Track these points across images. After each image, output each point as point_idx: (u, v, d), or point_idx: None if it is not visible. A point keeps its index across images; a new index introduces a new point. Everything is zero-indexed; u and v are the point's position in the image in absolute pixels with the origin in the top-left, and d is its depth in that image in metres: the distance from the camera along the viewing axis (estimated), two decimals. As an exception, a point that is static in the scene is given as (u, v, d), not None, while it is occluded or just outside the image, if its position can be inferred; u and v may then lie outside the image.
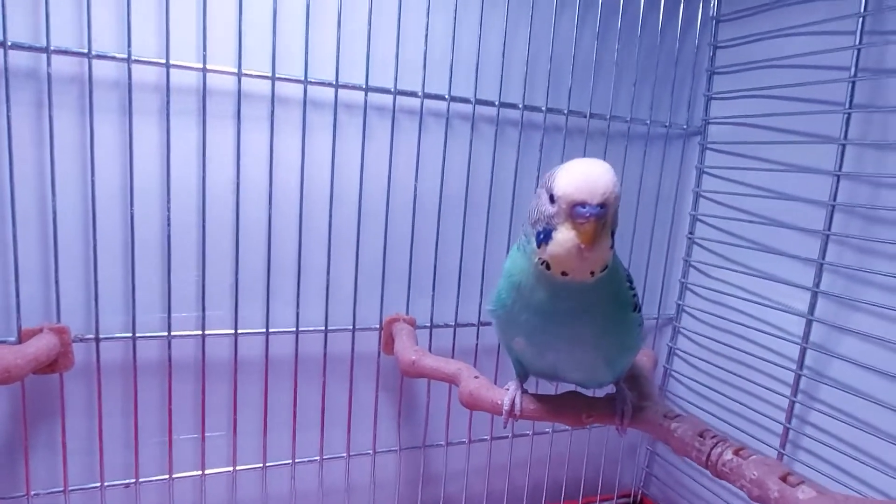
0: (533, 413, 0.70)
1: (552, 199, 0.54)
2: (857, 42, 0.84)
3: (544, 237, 0.55)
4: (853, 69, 0.84)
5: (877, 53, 0.84)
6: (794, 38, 0.95)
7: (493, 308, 0.65)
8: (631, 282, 0.64)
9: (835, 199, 0.87)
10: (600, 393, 0.72)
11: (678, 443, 0.64)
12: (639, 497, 1.22)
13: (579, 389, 0.72)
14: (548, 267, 0.56)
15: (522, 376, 0.72)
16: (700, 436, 0.63)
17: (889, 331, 0.81)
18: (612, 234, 0.55)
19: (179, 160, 0.81)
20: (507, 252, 1.00)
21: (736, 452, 0.60)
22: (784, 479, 0.55)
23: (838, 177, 0.86)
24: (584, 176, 0.52)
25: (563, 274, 0.55)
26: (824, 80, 0.89)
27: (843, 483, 0.84)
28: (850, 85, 0.85)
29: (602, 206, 0.51)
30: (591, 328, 0.61)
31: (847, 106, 0.85)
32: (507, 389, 0.71)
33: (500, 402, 0.70)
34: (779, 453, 0.94)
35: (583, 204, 0.51)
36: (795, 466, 0.91)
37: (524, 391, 0.71)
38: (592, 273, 0.55)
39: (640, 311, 0.66)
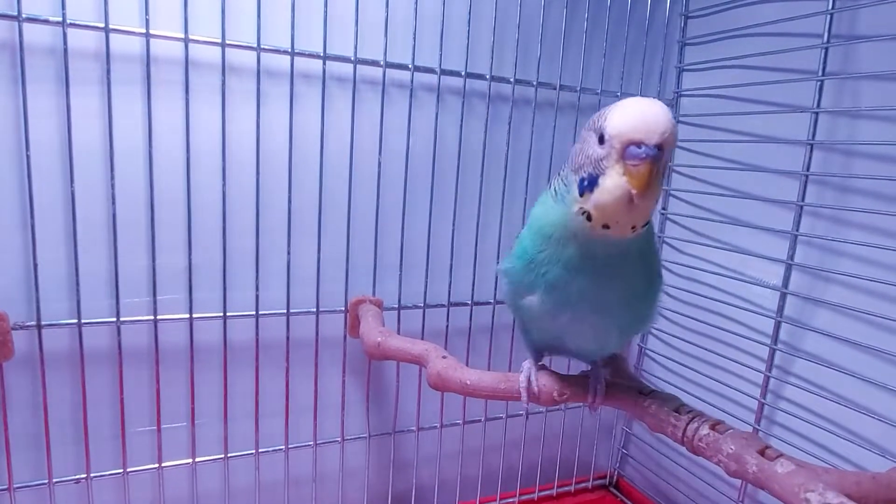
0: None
1: (602, 140, 0.48)
2: (830, 7, 0.82)
3: (589, 184, 0.49)
4: (826, 35, 0.82)
5: (849, 19, 0.82)
6: (767, 5, 0.93)
7: (511, 263, 0.60)
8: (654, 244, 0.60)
9: (808, 170, 0.85)
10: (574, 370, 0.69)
11: (653, 419, 0.62)
12: (615, 478, 1.21)
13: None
14: (589, 218, 0.50)
15: (536, 354, 0.68)
16: (676, 412, 0.61)
17: (862, 301, 0.80)
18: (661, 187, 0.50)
19: (124, 133, 0.76)
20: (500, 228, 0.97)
21: (712, 427, 0.58)
22: (762, 452, 0.53)
23: (811, 146, 0.85)
24: (641, 113, 0.47)
25: (605, 227, 0.50)
26: (797, 48, 0.87)
27: (816, 456, 0.83)
28: (823, 52, 0.83)
29: (659, 147, 0.46)
30: (616, 293, 0.56)
31: (820, 73, 0.83)
32: (521, 371, 0.67)
33: (516, 388, 0.66)
34: (754, 428, 0.93)
35: (639, 144, 0.46)
36: (770, 442, 0.90)
37: (541, 367, 0.67)
38: (634, 228, 0.50)
39: (661, 277, 0.62)
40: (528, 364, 0.67)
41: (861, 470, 0.72)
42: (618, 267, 0.54)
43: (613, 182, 0.47)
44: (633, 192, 0.47)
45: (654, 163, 0.46)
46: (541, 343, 0.66)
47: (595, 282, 0.55)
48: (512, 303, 0.64)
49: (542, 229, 0.56)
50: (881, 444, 0.78)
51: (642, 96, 0.49)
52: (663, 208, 1.11)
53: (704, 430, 0.58)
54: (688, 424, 0.59)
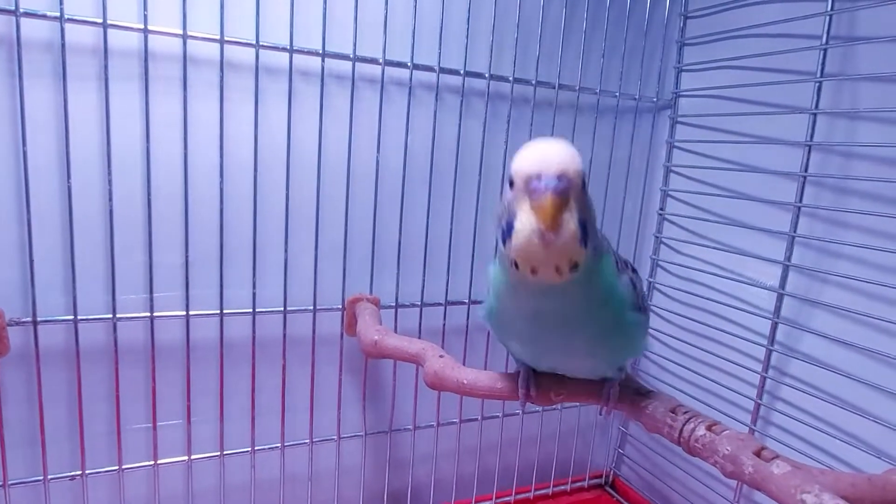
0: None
1: (511, 183, 0.48)
2: (829, 8, 0.82)
3: (507, 230, 0.48)
4: (825, 37, 0.82)
5: (848, 20, 0.82)
6: (766, 5, 0.93)
7: (485, 315, 0.61)
8: (631, 275, 0.59)
9: (806, 171, 0.85)
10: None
11: (650, 420, 0.62)
12: (610, 478, 1.21)
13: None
14: (517, 266, 0.49)
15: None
16: (672, 412, 0.61)
17: (859, 303, 0.80)
18: (585, 227, 0.48)
19: (121, 130, 0.75)
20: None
21: (709, 428, 0.58)
22: (758, 454, 0.53)
23: (809, 147, 0.85)
24: (539, 150, 0.48)
25: (533, 272, 0.48)
26: (796, 49, 0.87)
27: (812, 457, 0.83)
28: (822, 53, 0.83)
29: (560, 179, 0.45)
30: (582, 333, 0.55)
31: (818, 75, 0.83)
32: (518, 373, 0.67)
33: (513, 389, 0.66)
34: (749, 429, 0.93)
35: (538, 177, 0.45)
36: (766, 442, 0.90)
37: (534, 371, 0.66)
38: (559, 270, 0.48)
39: (645, 310, 0.60)
40: (523, 368, 0.66)
41: (857, 472, 0.72)
42: (574, 309, 0.53)
43: (522, 222, 0.47)
44: (541, 227, 0.45)
45: (557, 195, 0.45)
46: (539, 367, 0.66)
47: (556, 328, 0.55)
48: (502, 342, 0.65)
49: (494, 287, 0.57)
50: (878, 445, 0.78)
51: (550, 139, 0.49)
52: (661, 208, 1.11)
53: (701, 430, 0.58)
54: (684, 425, 0.59)
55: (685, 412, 0.60)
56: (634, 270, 0.61)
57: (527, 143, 0.49)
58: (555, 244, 0.46)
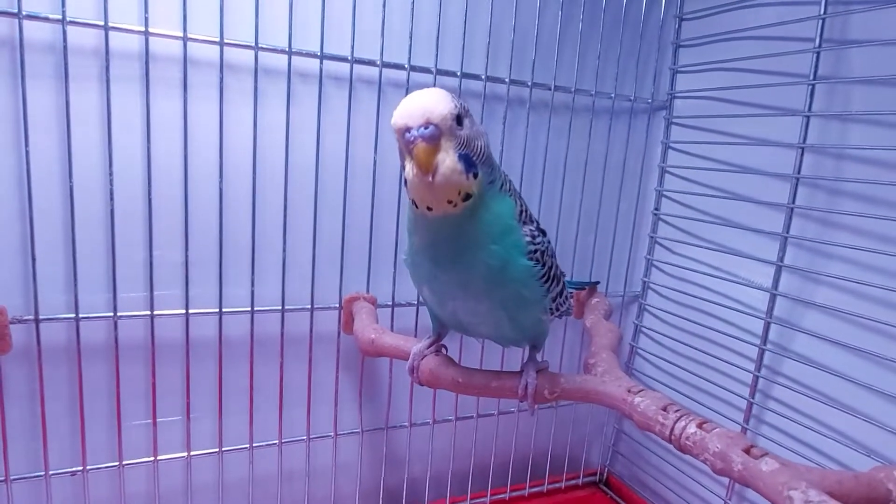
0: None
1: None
2: (822, 12, 0.83)
3: (404, 174, 0.54)
4: (818, 40, 0.83)
5: (840, 24, 0.83)
6: (760, 8, 0.94)
7: (405, 256, 0.65)
8: (535, 230, 0.61)
9: (799, 172, 0.86)
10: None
11: (641, 417, 0.63)
12: (605, 475, 1.22)
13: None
14: (415, 204, 0.55)
15: (441, 331, 0.72)
16: (663, 410, 0.62)
17: (851, 304, 0.81)
18: (470, 159, 0.53)
19: (122, 131, 0.76)
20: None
21: (699, 426, 0.59)
22: (747, 451, 0.54)
23: (802, 149, 0.86)
24: (406, 103, 0.52)
25: (430, 209, 0.54)
26: (789, 52, 0.88)
27: (804, 456, 0.85)
28: (815, 56, 0.84)
29: (426, 126, 0.50)
30: (474, 269, 0.58)
31: (811, 77, 0.84)
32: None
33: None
34: (742, 428, 0.94)
35: (407, 129, 0.51)
36: (758, 441, 0.91)
37: (439, 351, 0.72)
38: (451, 202, 0.53)
39: (543, 263, 0.61)
40: (425, 342, 0.72)
41: (846, 469, 0.73)
42: (465, 242, 0.57)
43: (407, 169, 0.53)
44: (416, 171, 0.51)
45: (425, 141, 0.50)
46: (452, 327, 0.70)
47: (449, 263, 0.58)
48: (419, 292, 0.69)
49: (409, 229, 0.61)
50: (867, 443, 0.79)
51: (422, 90, 0.54)
52: (656, 209, 1.12)
53: (691, 428, 0.59)
54: (675, 423, 0.60)
55: (676, 410, 0.61)
56: (542, 231, 0.63)
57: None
58: (436, 183, 0.51)
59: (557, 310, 0.69)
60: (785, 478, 0.50)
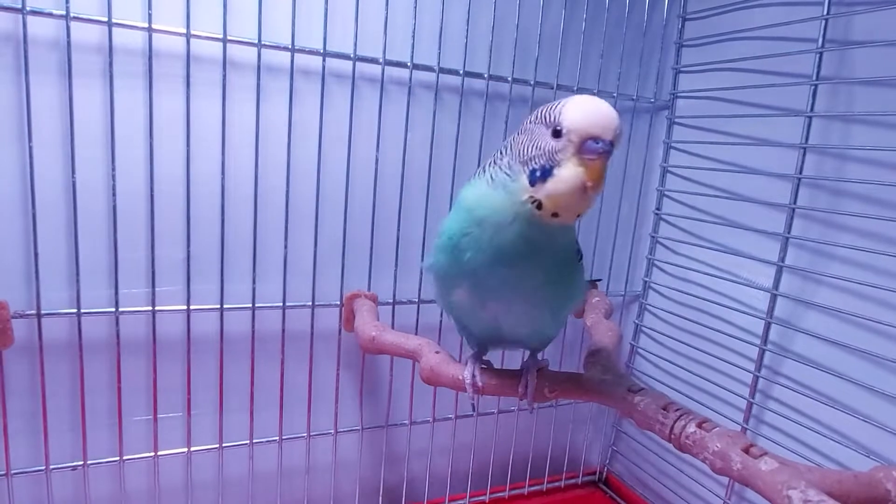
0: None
1: (557, 133, 0.51)
2: (825, 12, 0.83)
3: (542, 175, 0.51)
4: (820, 40, 0.83)
5: (844, 24, 0.83)
6: (763, 8, 0.94)
7: (435, 256, 0.61)
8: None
9: (801, 173, 0.86)
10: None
11: (642, 416, 0.63)
12: (604, 474, 1.22)
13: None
14: (539, 206, 0.52)
15: (479, 349, 0.69)
16: (664, 409, 0.62)
17: (852, 304, 0.81)
18: None
19: (125, 126, 0.77)
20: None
21: (699, 425, 0.59)
22: (746, 450, 0.54)
23: (804, 150, 0.86)
24: (597, 110, 0.50)
25: (555, 215, 0.53)
26: (792, 52, 0.88)
27: (803, 455, 0.85)
28: (818, 56, 0.84)
29: (613, 143, 0.49)
30: (544, 273, 0.58)
31: (814, 78, 0.84)
32: (465, 364, 0.69)
33: (460, 378, 0.68)
34: (742, 427, 0.94)
35: (596, 139, 0.49)
36: (758, 441, 0.91)
37: (483, 365, 0.69)
38: (579, 215, 0.54)
39: (582, 259, 0.65)
40: (469, 358, 0.69)
41: (845, 469, 0.73)
42: (544, 250, 0.57)
43: (570, 173, 0.50)
44: (588, 183, 0.50)
45: (607, 157, 0.49)
46: (481, 336, 0.68)
47: (524, 265, 0.57)
48: (442, 300, 0.66)
49: (473, 211, 0.56)
50: (866, 444, 0.79)
51: (592, 95, 0.52)
52: (657, 208, 1.12)
53: (691, 427, 0.59)
54: (675, 422, 0.60)
55: (676, 409, 0.61)
56: None
57: (572, 97, 0.52)
58: (591, 198, 0.52)
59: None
60: (784, 477, 0.50)
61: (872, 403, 0.79)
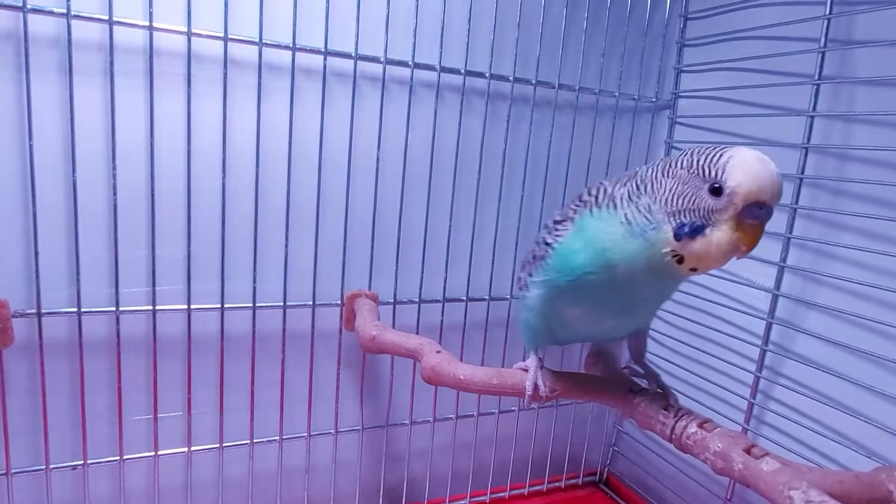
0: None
1: (716, 190, 0.47)
2: (828, 12, 0.82)
3: (691, 231, 0.48)
4: (822, 40, 0.83)
5: (846, 24, 0.83)
6: (765, 8, 0.93)
7: (551, 276, 0.58)
8: None
9: (802, 173, 0.86)
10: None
11: (643, 417, 0.63)
12: (604, 475, 1.22)
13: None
14: (680, 261, 0.50)
15: (541, 350, 0.67)
16: (664, 409, 0.62)
17: (853, 304, 0.81)
18: None
19: (126, 125, 0.77)
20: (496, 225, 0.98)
21: (700, 426, 0.59)
22: (748, 451, 0.54)
23: (806, 150, 0.86)
24: (767, 174, 0.47)
25: (692, 270, 0.51)
26: (794, 52, 0.87)
27: (804, 456, 0.84)
28: (820, 56, 0.84)
29: (774, 208, 0.48)
30: (661, 296, 0.62)
31: (816, 77, 0.84)
32: (525, 370, 0.66)
33: (509, 384, 0.66)
34: (743, 428, 0.94)
35: (762, 205, 0.47)
36: (759, 441, 0.91)
37: (544, 368, 0.66)
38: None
39: None
40: (534, 364, 0.66)
41: (846, 470, 0.73)
42: (669, 287, 0.61)
43: (726, 237, 0.48)
44: (743, 248, 0.48)
45: (765, 224, 0.48)
46: (567, 339, 0.68)
47: (642, 294, 0.58)
48: (544, 312, 0.62)
49: (605, 253, 0.54)
50: (868, 445, 0.79)
51: (757, 151, 0.48)
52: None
53: (692, 428, 0.59)
54: (676, 422, 0.60)
55: (677, 410, 0.62)
56: None
57: (736, 150, 0.48)
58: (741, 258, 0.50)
59: None
60: (786, 478, 0.50)
61: (874, 404, 0.78)
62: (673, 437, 0.60)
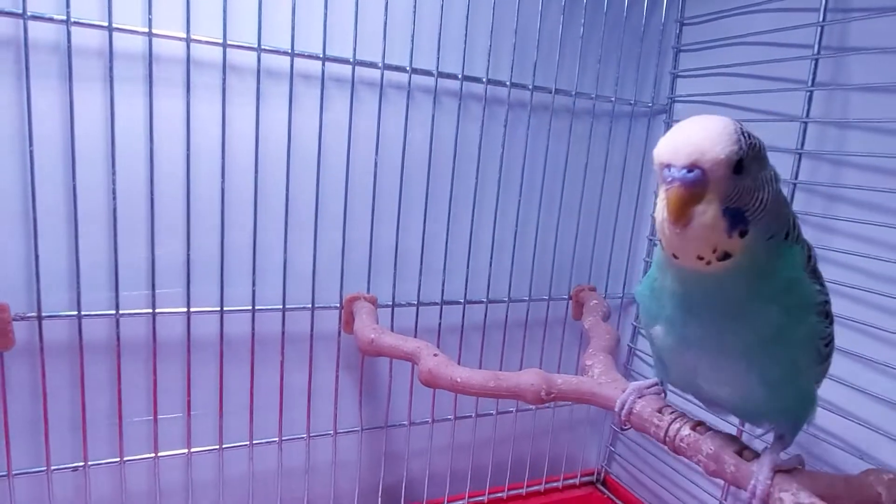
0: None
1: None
2: (821, 19, 0.83)
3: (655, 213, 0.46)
4: (816, 47, 0.84)
5: (839, 31, 0.84)
6: (760, 14, 0.94)
7: (641, 287, 0.57)
8: (819, 279, 0.52)
9: (796, 178, 0.87)
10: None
11: (637, 419, 0.64)
12: (602, 476, 1.23)
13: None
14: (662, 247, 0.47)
15: (661, 380, 0.64)
16: (659, 412, 0.62)
17: (848, 308, 0.81)
18: (740, 215, 0.43)
19: (125, 130, 0.77)
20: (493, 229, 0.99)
21: (693, 428, 0.59)
22: (740, 453, 0.55)
23: (800, 155, 0.86)
24: (677, 133, 0.43)
25: (675, 257, 0.46)
26: (788, 58, 0.88)
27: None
28: (813, 62, 0.84)
29: (692, 169, 0.41)
30: (737, 327, 0.48)
31: (810, 84, 0.85)
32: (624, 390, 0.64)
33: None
34: (738, 430, 0.94)
35: (668, 166, 0.42)
36: (753, 443, 0.92)
37: (643, 394, 0.63)
38: (702, 258, 0.44)
39: (829, 320, 0.52)
40: (633, 386, 0.64)
41: (838, 472, 0.74)
42: (731, 300, 0.47)
43: (658, 209, 0.45)
44: (668, 217, 0.43)
45: (685, 187, 0.41)
46: (682, 382, 0.60)
47: (706, 317, 0.50)
48: (644, 328, 0.60)
49: (656, 263, 0.52)
50: (860, 446, 0.80)
51: (703, 117, 0.44)
52: (654, 212, 1.13)
53: (686, 430, 0.60)
54: (670, 425, 0.61)
55: (671, 412, 0.62)
56: (822, 284, 0.53)
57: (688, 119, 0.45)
58: (684, 235, 0.43)
59: (824, 374, 0.57)
60: (776, 480, 0.51)
61: (866, 406, 0.79)
62: (667, 439, 0.61)
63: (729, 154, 0.42)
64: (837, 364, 0.81)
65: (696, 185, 0.42)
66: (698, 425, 0.60)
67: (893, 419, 0.77)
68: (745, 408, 0.56)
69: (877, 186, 0.78)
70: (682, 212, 0.42)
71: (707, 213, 0.42)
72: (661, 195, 0.44)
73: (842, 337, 0.81)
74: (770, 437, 0.57)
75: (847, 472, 0.77)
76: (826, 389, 0.82)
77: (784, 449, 0.55)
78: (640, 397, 0.64)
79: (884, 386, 0.78)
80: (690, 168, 0.42)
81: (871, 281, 0.79)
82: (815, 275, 0.52)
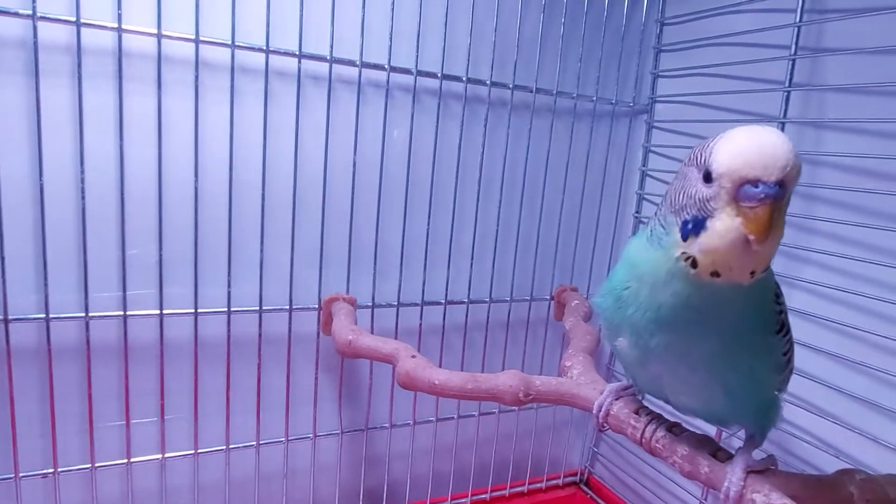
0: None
1: (708, 177, 0.43)
2: (798, 20, 0.83)
3: (694, 227, 0.44)
4: (793, 47, 0.84)
5: (816, 32, 0.84)
6: (739, 15, 0.94)
7: (602, 298, 0.55)
8: (779, 295, 0.52)
9: (775, 177, 0.87)
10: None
11: (615, 420, 0.63)
12: (585, 476, 1.23)
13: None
14: (694, 264, 0.45)
15: (635, 387, 0.63)
16: (635, 413, 0.62)
17: (826, 309, 0.82)
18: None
19: (94, 128, 0.75)
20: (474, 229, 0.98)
21: (669, 429, 0.59)
22: (714, 454, 0.55)
23: (778, 155, 0.86)
24: (756, 146, 0.41)
25: (714, 274, 0.44)
26: (766, 59, 0.88)
27: (778, 459, 0.85)
28: (790, 63, 0.85)
29: (780, 184, 0.40)
30: (713, 341, 0.49)
31: (787, 84, 0.85)
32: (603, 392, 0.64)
33: (592, 402, 0.65)
34: (718, 431, 0.94)
35: (755, 182, 0.40)
36: (733, 443, 0.92)
37: (620, 396, 0.63)
38: (753, 273, 0.44)
39: (787, 335, 0.53)
40: (609, 388, 0.64)
41: (815, 471, 0.74)
42: (718, 316, 0.48)
43: (725, 225, 0.42)
44: (750, 237, 0.41)
45: (774, 203, 0.40)
46: (647, 389, 0.62)
47: (686, 331, 0.49)
48: (608, 340, 0.59)
49: (634, 267, 0.51)
50: (837, 446, 0.80)
51: (764, 125, 0.43)
52: (637, 211, 1.13)
53: (661, 432, 0.59)
54: (646, 426, 0.60)
55: (647, 413, 0.62)
56: (779, 294, 0.53)
57: (732, 130, 0.43)
58: (762, 252, 0.43)
59: (786, 381, 0.57)
60: (749, 481, 0.51)
61: (844, 405, 0.79)
62: (643, 441, 0.60)
63: (801, 167, 0.42)
64: (815, 363, 0.82)
65: (780, 197, 0.41)
66: (674, 426, 0.60)
67: (870, 418, 0.77)
68: (711, 413, 0.58)
69: (854, 186, 0.79)
70: (769, 228, 0.41)
71: (779, 227, 0.42)
72: (731, 212, 0.42)
73: (819, 337, 0.82)
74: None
75: (823, 470, 0.77)
76: (804, 389, 0.83)
77: (756, 448, 0.55)
78: (617, 399, 0.64)
79: (860, 385, 0.78)
80: (780, 184, 0.41)
81: (849, 281, 0.79)
82: (777, 290, 0.53)
